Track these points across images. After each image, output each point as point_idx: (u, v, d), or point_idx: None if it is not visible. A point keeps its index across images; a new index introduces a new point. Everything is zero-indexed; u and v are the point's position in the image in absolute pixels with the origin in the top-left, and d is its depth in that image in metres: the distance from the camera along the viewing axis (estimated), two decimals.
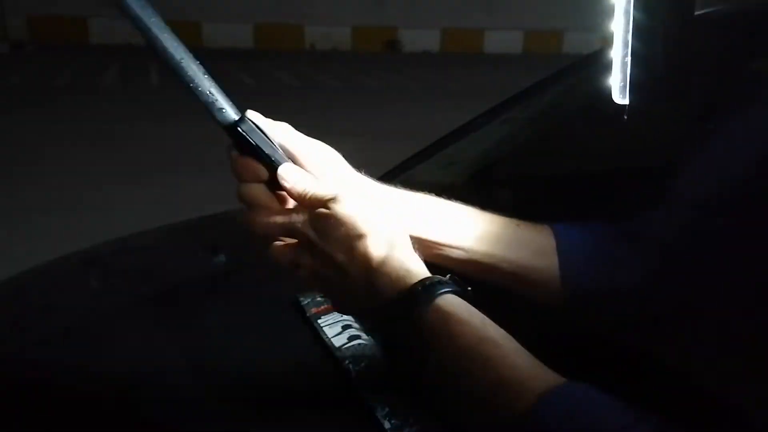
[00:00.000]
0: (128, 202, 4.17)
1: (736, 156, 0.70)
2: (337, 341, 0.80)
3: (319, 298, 0.90)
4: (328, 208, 0.62)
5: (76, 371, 0.82)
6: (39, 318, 0.97)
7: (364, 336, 0.81)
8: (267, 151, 0.65)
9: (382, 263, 0.59)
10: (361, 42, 18.92)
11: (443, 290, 0.57)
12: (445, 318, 0.55)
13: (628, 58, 0.78)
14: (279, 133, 0.68)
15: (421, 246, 0.69)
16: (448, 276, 0.60)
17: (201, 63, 0.66)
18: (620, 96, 0.79)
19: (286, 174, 0.64)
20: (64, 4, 15.74)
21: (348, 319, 0.84)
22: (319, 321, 0.85)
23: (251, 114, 0.66)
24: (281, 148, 0.67)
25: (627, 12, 0.77)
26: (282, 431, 0.70)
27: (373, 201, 0.65)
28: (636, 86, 0.78)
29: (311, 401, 0.74)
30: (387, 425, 0.66)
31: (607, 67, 0.85)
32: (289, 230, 0.65)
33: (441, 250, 0.75)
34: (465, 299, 0.58)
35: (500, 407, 0.50)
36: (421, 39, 19.21)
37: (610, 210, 0.80)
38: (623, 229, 0.78)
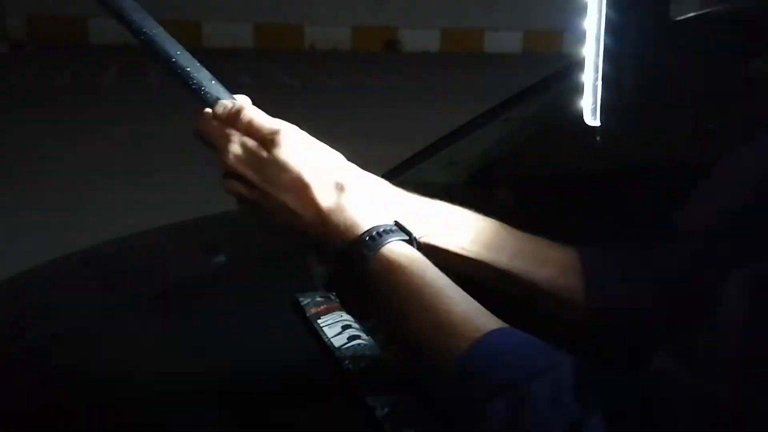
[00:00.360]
0: (128, 201, 4.17)
1: (740, 181, 0.70)
2: (337, 341, 0.80)
3: (318, 298, 0.90)
4: (269, 150, 0.63)
5: (76, 371, 0.82)
6: (39, 318, 0.97)
7: (364, 336, 0.81)
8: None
9: (330, 212, 0.62)
10: (361, 42, 18.92)
11: (389, 240, 0.60)
12: (388, 267, 0.58)
13: (599, 82, 0.79)
14: (253, 118, 0.67)
15: (439, 252, 0.71)
16: (393, 222, 0.62)
17: (201, 63, 0.67)
18: (592, 118, 0.80)
19: (239, 100, 0.67)
20: (63, 4, 15.75)
21: (348, 319, 0.84)
22: (319, 321, 0.85)
23: (240, 97, 0.68)
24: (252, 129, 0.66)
25: (597, 38, 0.79)
26: (282, 430, 0.70)
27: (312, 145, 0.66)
28: (607, 109, 0.79)
29: (311, 401, 0.74)
30: (387, 425, 0.66)
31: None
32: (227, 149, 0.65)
33: (462, 259, 0.74)
34: (411, 244, 0.61)
35: (438, 351, 0.53)
36: (420, 39, 19.22)
37: (609, 210, 0.80)
38: (640, 257, 0.78)
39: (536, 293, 0.76)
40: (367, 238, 0.60)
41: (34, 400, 0.77)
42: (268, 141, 0.63)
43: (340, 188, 0.62)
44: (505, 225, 0.77)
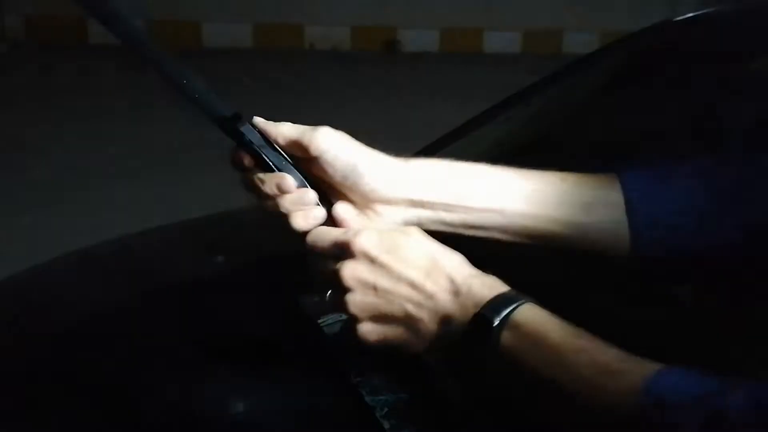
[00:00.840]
0: (128, 201, 4.17)
1: None
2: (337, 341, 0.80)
3: (318, 299, 0.90)
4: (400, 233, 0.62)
5: (76, 371, 0.82)
6: (39, 318, 0.97)
7: None
8: (264, 152, 0.67)
9: (467, 280, 0.58)
10: (361, 42, 18.90)
11: (519, 303, 0.56)
12: (528, 328, 0.55)
13: None
14: (284, 130, 0.68)
15: (457, 217, 0.68)
16: (508, 290, 0.58)
17: (200, 63, 0.67)
18: None
19: (343, 213, 0.67)
20: (63, 4, 15.73)
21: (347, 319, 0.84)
22: (319, 321, 0.85)
23: (257, 120, 0.68)
24: (288, 143, 0.67)
25: None
26: (281, 430, 0.70)
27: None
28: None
29: (310, 401, 0.74)
30: (387, 425, 0.66)
31: (606, 66, 0.85)
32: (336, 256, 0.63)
33: (476, 216, 0.69)
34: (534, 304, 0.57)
35: (605, 395, 0.50)
36: (420, 39, 19.20)
37: None
38: (708, 175, 0.68)
39: (571, 240, 0.69)
40: (505, 298, 0.56)
41: (35, 399, 0.77)
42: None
43: (469, 268, 0.60)
44: (500, 168, 0.72)
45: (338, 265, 0.62)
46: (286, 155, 0.68)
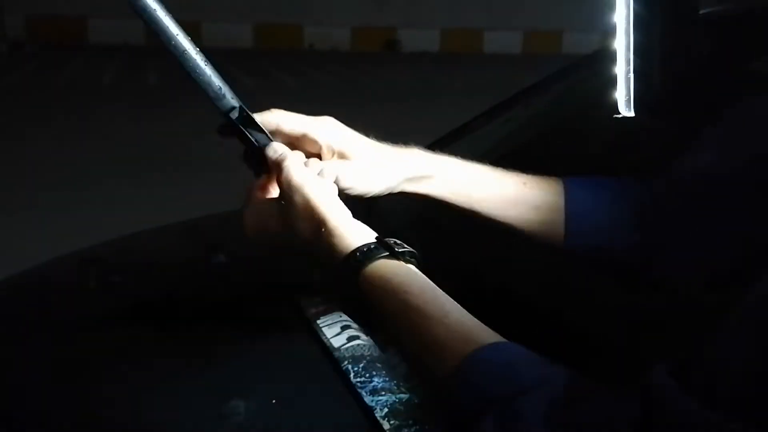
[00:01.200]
0: (128, 201, 4.17)
1: (740, 140, 0.75)
2: (336, 342, 0.80)
3: (318, 299, 0.90)
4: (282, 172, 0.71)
5: (76, 371, 0.82)
6: (39, 318, 0.97)
7: (363, 336, 0.81)
8: (253, 136, 0.72)
9: (330, 230, 0.67)
10: (361, 42, 18.92)
11: (378, 256, 0.63)
12: (375, 285, 0.62)
13: (631, 75, 0.83)
14: (274, 117, 0.75)
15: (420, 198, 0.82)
16: (392, 241, 0.66)
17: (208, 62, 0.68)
18: (626, 110, 0.85)
19: (275, 148, 0.74)
20: (63, 4, 15.76)
21: (347, 319, 0.84)
22: (318, 321, 0.85)
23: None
24: (280, 131, 0.75)
25: (627, 32, 0.83)
26: (281, 430, 0.70)
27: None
28: (638, 102, 0.83)
29: (310, 401, 0.74)
30: (386, 425, 0.66)
31: (606, 66, 0.86)
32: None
33: (441, 201, 0.83)
34: (400, 261, 0.64)
35: (429, 367, 0.55)
36: (420, 39, 19.22)
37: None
38: (632, 190, 0.84)
39: (514, 230, 0.84)
40: (358, 254, 0.64)
41: (35, 399, 0.77)
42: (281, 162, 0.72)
43: (332, 207, 0.69)
44: (478, 166, 0.85)
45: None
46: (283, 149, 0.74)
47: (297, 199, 0.69)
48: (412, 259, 0.65)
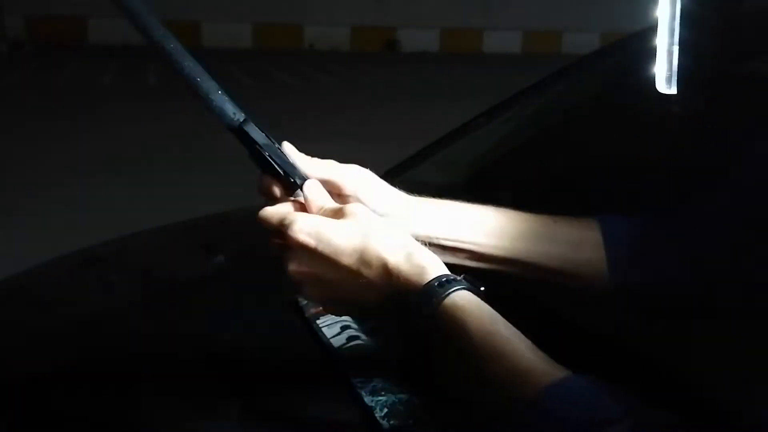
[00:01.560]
0: (128, 201, 4.17)
1: None
2: (336, 342, 0.80)
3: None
4: (338, 219, 0.64)
5: (76, 371, 0.82)
6: (39, 318, 0.97)
7: (363, 336, 0.81)
8: (278, 162, 0.68)
9: (401, 262, 0.61)
10: (360, 42, 18.92)
11: (456, 287, 0.59)
12: (457, 314, 0.58)
13: (675, 47, 0.74)
14: (316, 166, 0.71)
15: (454, 252, 0.74)
16: (462, 275, 0.62)
17: (200, 62, 0.67)
18: (666, 86, 0.76)
19: (310, 189, 0.68)
20: (62, 4, 15.75)
21: (347, 319, 0.84)
22: (318, 322, 0.85)
23: (287, 147, 0.70)
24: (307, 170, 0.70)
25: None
26: (281, 430, 0.70)
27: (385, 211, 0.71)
28: (681, 78, 0.75)
29: (310, 402, 0.74)
30: (386, 425, 0.66)
31: (606, 66, 0.85)
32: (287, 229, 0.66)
33: (476, 250, 0.76)
34: (477, 295, 0.60)
35: (507, 399, 0.53)
36: (420, 39, 19.22)
37: (611, 210, 0.80)
38: (670, 223, 0.78)
39: (549, 273, 0.76)
40: (436, 284, 0.60)
41: (34, 399, 0.77)
42: (338, 216, 0.65)
43: (405, 244, 0.63)
44: (509, 210, 0.78)
45: (286, 259, 0.66)
46: (293, 163, 0.68)
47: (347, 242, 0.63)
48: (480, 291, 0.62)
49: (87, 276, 1.11)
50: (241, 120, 0.67)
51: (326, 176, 0.70)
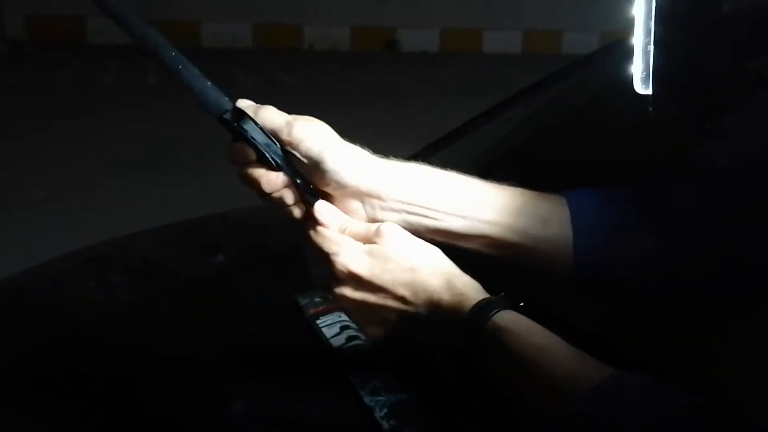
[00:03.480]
0: (128, 200, 4.17)
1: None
2: (336, 342, 0.80)
3: (317, 299, 0.90)
4: (373, 242, 0.67)
5: (76, 371, 0.82)
6: (39, 318, 0.97)
7: (362, 336, 0.81)
8: (261, 144, 0.67)
9: (443, 292, 0.65)
10: (360, 42, 18.92)
11: (497, 310, 0.62)
12: (502, 337, 0.61)
13: (651, 47, 0.73)
14: (267, 116, 0.68)
15: (421, 219, 0.71)
16: (501, 294, 0.65)
17: (200, 62, 0.67)
18: (643, 87, 0.75)
19: (322, 212, 0.69)
20: (62, 4, 15.75)
21: (346, 319, 0.84)
22: (318, 321, 0.85)
23: (242, 102, 0.68)
24: (271, 133, 0.68)
25: None
26: (281, 430, 0.70)
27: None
28: (658, 76, 0.74)
29: (310, 402, 0.74)
30: (386, 425, 0.66)
31: (605, 66, 0.85)
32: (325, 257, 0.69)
33: (440, 219, 0.72)
34: (516, 311, 0.63)
35: (559, 400, 0.55)
36: (419, 39, 19.22)
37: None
38: (641, 195, 0.75)
39: (513, 248, 0.73)
40: (478, 310, 0.62)
41: (34, 399, 0.77)
42: (371, 237, 0.68)
43: (444, 269, 0.66)
44: (481, 180, 0.75)
45: (331, 285, 0.69)
46: (281, 149, 0.68)
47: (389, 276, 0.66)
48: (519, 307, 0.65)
49: (87, 276, 1.11)
50: (229, 109, 0.67)
51: (276, 126, 0.68)
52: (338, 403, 0.72)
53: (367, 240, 0.68)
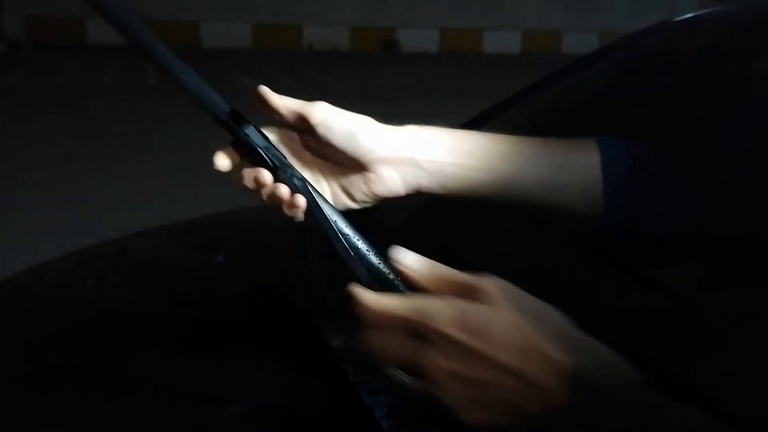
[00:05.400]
0: (127, 200, 4.17)
1: None
2: (336, 342, 0.80)
3: (317, 299, 0.90)
4: (481, 301, 0.51)
5: (76, 371, 0.82)
6: (38, 318, 0.97)
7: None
8: (260, 146, 0.66)
9: (575, 365, 0.50)
10: (360, 42, 18.92)
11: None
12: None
13: None
14: (287, 102, 0.68)
15: (444, 174, 0.69)
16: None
17: (199, 63, 0.67)
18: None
19: (410, 263, 0.55)
20: (62, 4, 15.74)
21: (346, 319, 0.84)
22: (318, 321, 0.85)
23: (262, 89, 0.69)
24: (297, 117, 0.68)
25: None
26: (280, 431, 0.70)
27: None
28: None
29: (309, 402, 0.74)
30: (385, 426, 0.66)
31: (606, 66, 0.85)
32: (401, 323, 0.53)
33: (465, 173, 0.69)
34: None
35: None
36: (419, 39, 19.22)
37: None
38: (675, 155, 0.71)
39: (536, 199, 0.69)
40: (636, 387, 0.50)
41: (34, 399, 0.77)
42: (477, 297, 0.52)
43: (566, 333, 0.51)
44: (485, 133, 0.73)
45: (416, 355, 0.53)
46: (281, 153, 0.68)
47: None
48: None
49: (86, 276, 1.11)
50: (228, 111, 0.67)
51: (296, 108, 0.68)
52: (338, 404, 0.72)
53: (473, 297, 0.52)
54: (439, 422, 0.63)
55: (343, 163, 0.70)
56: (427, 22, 19.25)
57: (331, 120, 0.68)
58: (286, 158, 0.67)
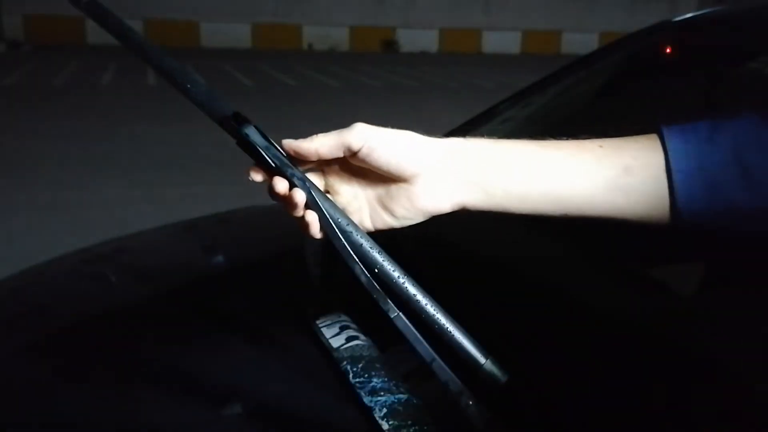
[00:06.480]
0: (127, 201, 4.17)
1: None
2: (335, 342, 0.80)
3: (317, 299, 0.90)
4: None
5: (76, 371, 0.82)
6: (38, 318, 0.97)
7: (362, 337, 0.81)
8: (261, 146, 0.66)
9: None
10: (359, 42, 18.93)
11: None
12: None
13: None
14: (321, 141, 0.66)
15: (510, 194, 0.66)
16: None
17: (199, 63, 0.67)
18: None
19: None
20: (61, 4, 15.73)
21: (346, 319, 0.84)
22: (318, 322, 0.85)
23: (288, 142, 0.67)
24: (348, 150, 0.66)
25: None
26: (280, 431, 0.70)
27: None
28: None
29: (309, 402, 0.74)
30: (385, 426, 0.66)
31: (605, 66, 0.85)
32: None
33: (523, 190, 0.67)
34: None
35: None
36: (418, 39, 19.23)
37: None
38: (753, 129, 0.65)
39: (593, 207, 0.66)
40: None
41: (34, 399, 0.77)
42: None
43: None
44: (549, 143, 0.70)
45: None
46: (282, 152, 0.67)
47: None
48: None
49: (87, 276, 1.11)
50: (230, 113, 0.66)
51: (332, 143, 0.66)
52: (338, 404, 0.72)
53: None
54: (439, 422, 0.63)
55: (385, 179, 0.67)
56: (426, 22, 19.25)
57: (373, 141, 0.66)
58: (287, 157, 0.67)
